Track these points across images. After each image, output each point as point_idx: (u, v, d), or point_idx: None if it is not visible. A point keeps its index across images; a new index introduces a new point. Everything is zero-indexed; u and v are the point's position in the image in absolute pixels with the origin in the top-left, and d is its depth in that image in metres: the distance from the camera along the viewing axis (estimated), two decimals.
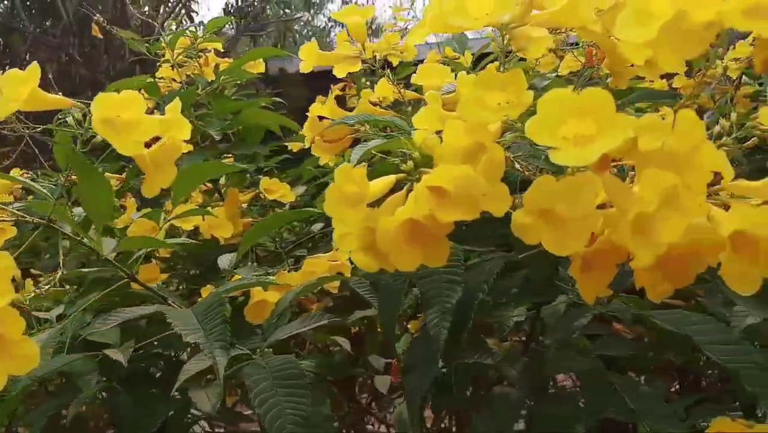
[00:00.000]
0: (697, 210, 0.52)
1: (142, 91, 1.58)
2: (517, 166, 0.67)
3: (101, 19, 1.62)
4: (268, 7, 9.29)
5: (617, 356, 1.02)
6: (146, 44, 1.60)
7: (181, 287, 1.56)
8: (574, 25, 0.67)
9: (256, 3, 8.74)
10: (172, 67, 1.69)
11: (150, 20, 1.67)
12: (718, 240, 0.55)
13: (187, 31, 1.58)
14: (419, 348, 0.83)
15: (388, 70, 0.99)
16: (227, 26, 9.53)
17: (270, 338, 0.98)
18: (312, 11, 12.60)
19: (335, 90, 2.16)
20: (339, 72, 0.99)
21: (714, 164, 0.56)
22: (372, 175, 0.65)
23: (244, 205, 1.74)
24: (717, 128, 0.71)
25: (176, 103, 0.83)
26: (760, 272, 0.56)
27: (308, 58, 0.94)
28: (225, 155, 1.67)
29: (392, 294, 0.87)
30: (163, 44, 1.59)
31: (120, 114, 0.74)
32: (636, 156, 0.53)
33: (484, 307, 1.10)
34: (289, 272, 1.18)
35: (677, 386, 1.43)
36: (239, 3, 8.79)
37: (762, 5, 0.47)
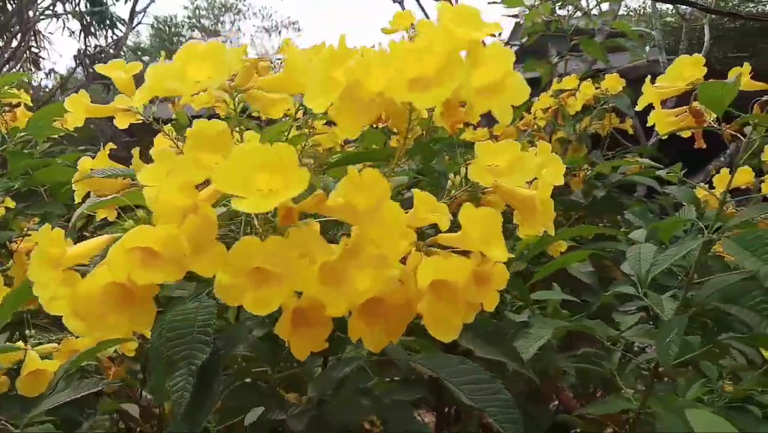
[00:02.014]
0: (384, 261, 0.55)
1: None
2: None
3: None
4: (122, 53, 8.96)
5: None
6: None
7: None
8: (294, 91, 0.70)
9: (110, 50, 8.41)
10: None
11: None
12: (419, 289, 0.58)
13: None
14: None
15: (170, 125, 0.98)
16: (78, 72, 9.09)
17: (35, 410, 0.90)
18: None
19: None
20: (120, 124, 0.96)
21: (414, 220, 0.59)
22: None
23: None
24: (448, 183, 0.76)
25: None
26: (459, 319, 0.59)
27: (76, 111, 0.90)
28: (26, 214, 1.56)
29: (161, 356, 0.84)
30: None
31: None
32: (325, 210, 0.54)
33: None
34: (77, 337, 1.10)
35: None
36: (89, 49, 8.42)
37: (422, 79, 0.51)
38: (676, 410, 0.94)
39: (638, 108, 1.14)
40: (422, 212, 0.65)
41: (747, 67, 1.09)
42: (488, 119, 2.58)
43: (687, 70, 1.05)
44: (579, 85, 1.99)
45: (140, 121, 0.98)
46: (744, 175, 1.48)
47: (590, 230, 1.38)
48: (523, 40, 4.20)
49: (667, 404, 1.02)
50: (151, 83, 0.65)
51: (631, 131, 2.32)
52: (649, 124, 1.21)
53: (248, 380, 1.05)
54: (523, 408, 1.44)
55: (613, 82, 1.92)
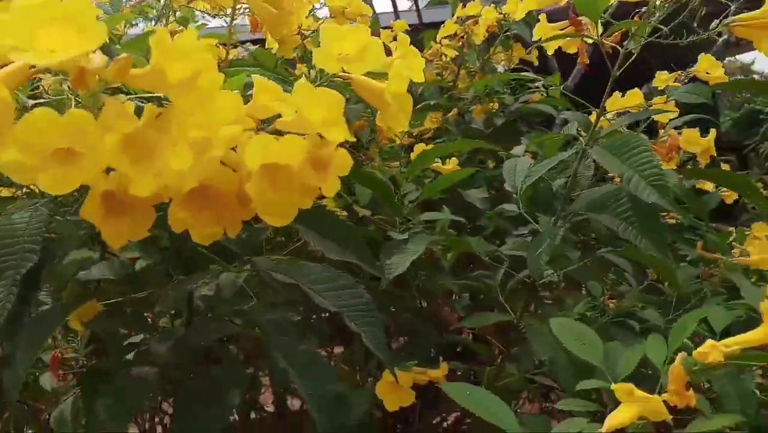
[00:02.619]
0: (206, 142, 0.50)
1: None
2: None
3: None
4: None
5: None
6: None
7: None
8: None
9: None
10: None
11: None
12: (249, 172, 0.54)
13: None
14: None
15: None
16: None
17: None
18: None
19: None
20: None
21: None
22: None
23: None
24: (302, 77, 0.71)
25: None
26: (294, 203, 0.56)
27: None
28: None
29: None
30: None
31: None
32: (130, 79, 0.49)
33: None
34: None
35: None
36: None
37: None
38: (544, 320, 0.96)
39: (518, 17, 1.12)
40: (263, 100, 0.59)
41: None
42: None
43: None
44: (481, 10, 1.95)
45: None
46: (633, 98, 1.50)
47: (468, 144, 1.36)
48: None
49: (541, 316, 1.04)
50: None
51: (536, 62, 2.30)
52: (534, 38, 1.19)
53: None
54: (414, 326, 1.44)
55: (514, 7, 1.88)
